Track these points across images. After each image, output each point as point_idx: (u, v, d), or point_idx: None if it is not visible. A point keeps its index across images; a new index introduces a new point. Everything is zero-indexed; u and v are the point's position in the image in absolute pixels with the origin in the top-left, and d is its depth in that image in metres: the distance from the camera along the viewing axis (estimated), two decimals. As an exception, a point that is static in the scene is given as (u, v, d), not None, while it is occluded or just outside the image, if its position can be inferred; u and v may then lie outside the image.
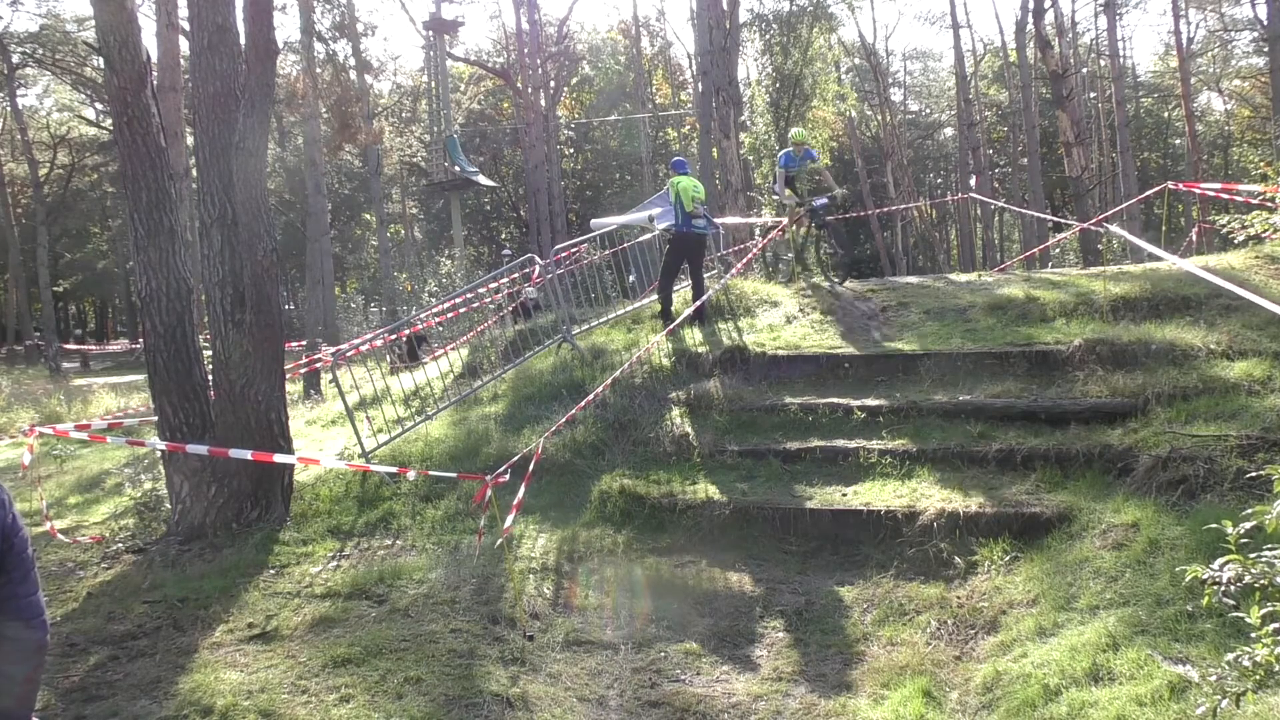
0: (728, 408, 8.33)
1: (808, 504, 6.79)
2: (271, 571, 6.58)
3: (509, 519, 6.46)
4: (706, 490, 7.19)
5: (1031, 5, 24.72)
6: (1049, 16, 25.16)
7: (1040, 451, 6.73)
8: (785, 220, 12.06)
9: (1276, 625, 2.80)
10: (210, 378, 7.69)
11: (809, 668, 5.26)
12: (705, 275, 10.90)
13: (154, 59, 9.90)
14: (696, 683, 5.19)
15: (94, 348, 36.84)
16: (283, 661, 5.14)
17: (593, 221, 12.71)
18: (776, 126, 22.76)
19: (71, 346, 35.27)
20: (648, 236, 12.69)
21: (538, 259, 10.82)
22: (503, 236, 45.19)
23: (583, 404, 8.05)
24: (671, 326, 9.65)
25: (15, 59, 34.29)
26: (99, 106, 37.91)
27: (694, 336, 9.78)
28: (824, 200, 11.28)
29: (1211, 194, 12.03)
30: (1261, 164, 13.17)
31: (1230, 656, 2.88)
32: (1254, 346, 7.28)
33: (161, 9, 16.77)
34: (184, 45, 17.59)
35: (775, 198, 11.77)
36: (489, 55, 43.95)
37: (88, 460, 11.19)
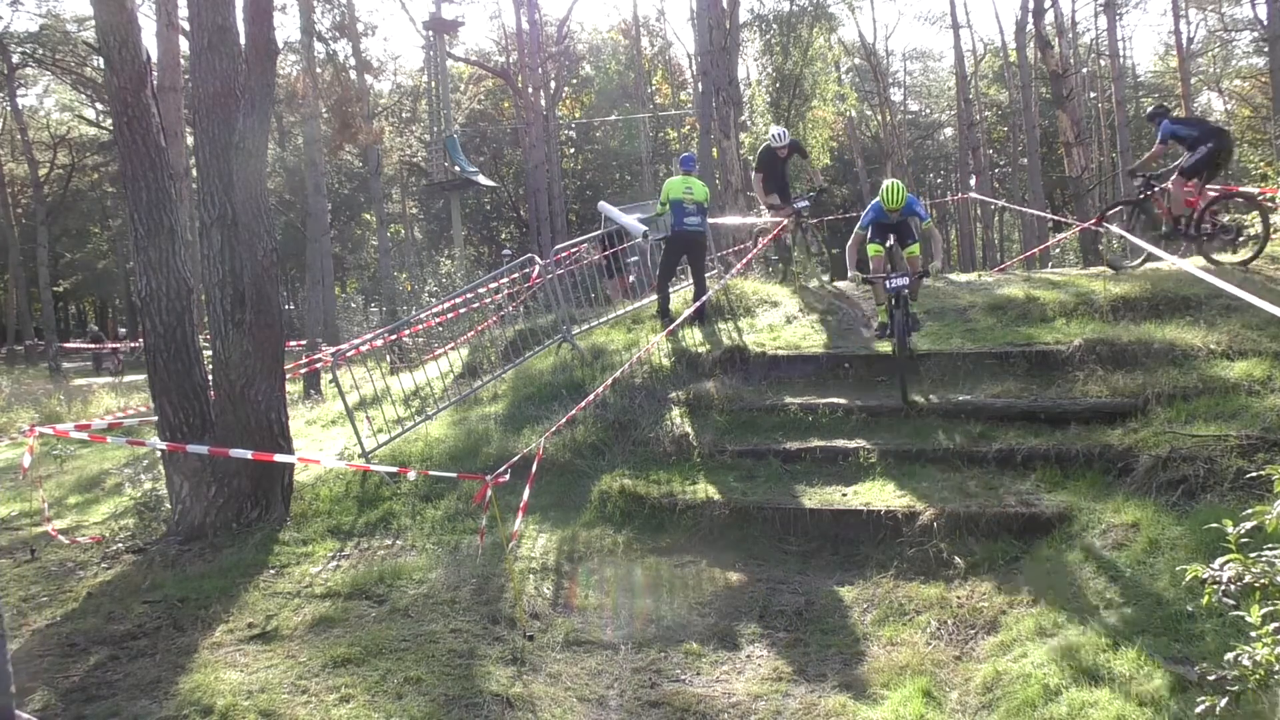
0: (727, 408, 8.33)
1: (807, 504, 6.79)
2: (271, 571, 6.59)
3: (516, 522, 6.47)
4: (706, 490, 7.19)
5: (1031, 5, 24.73)
6: (1049, 16, 25.19)
7: (1040, 451, 6.73)
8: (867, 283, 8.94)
9: (1276, 625, 2.80)
10: (210, 378, 7.69)
11: (809, 668, 5.26)
12: (706, 275, 10.88)
13: (154, 59, 9.89)
14: (696, 683, 5.20)
15: (120, 345, 33.72)
16: (283, 661, 5.14)
17: (600, 204, 12.57)
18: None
19: (113, 346, 31.76)
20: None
21: (538, 259, 10.82)
22: (503, 236, 45.16)
23: (583, 404, 8.06)
24: (672, 327, 9.65)
25: (15, 59, 34.24)
26: (99, 106, 37.85)
27: (694, 336, 9.78)
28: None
29: (1212, 194, 12.02)
30: (1261, 164, 13.16)
31: (1230, 656, 2.89)
32: (1254, 346, 7.28)
33: (161, 9, 16.77)
34: (184, 45, 17.59)
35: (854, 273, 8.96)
36: (489, 55, 43.95)
37: (88, 460, 11.19)
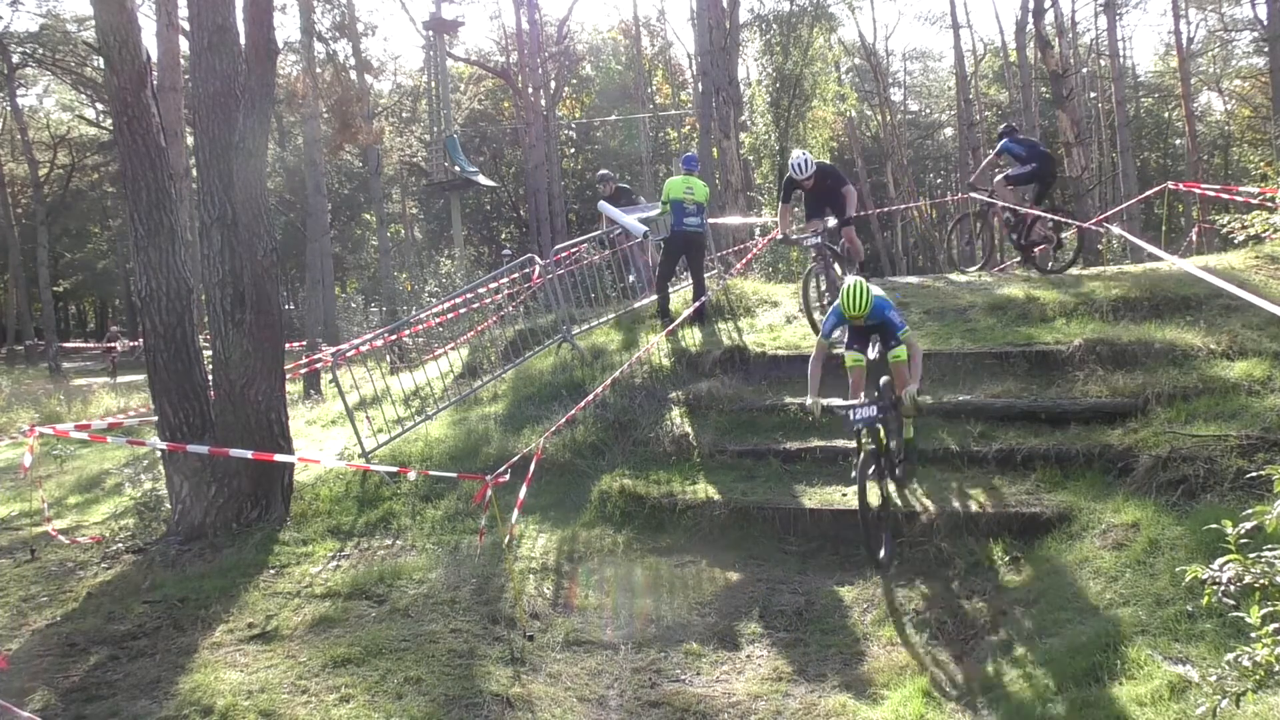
0: (728, 408, 8.32)
1: (807, 504, 6.79)
2: (271, 571, 6.59)
3: (513, 515, 6.47)
4: (706, 490, 7.19)
5: (1031, 5, 24.69)
6: (1049, 16, 25.13)
7: (1040, 451, 6.73)
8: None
9: (1276, 625, 2.80)
10: (210, 378, 7.69)
11: (809, 668, 5.27)
12: (705, 275, 10.88)
13: (154, 59, 9.88)
14: (696, 683, 5.20)
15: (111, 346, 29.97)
16: (283, 661, 5.14)
17: (600, 204, 12.45)
18: (777, 126, 22.75)
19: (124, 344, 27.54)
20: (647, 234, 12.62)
21: (538, 259, 10.81)
22: (503, 236, 45.14)
23: (583, 404, 8.06)
24: (671, 326, 9.65)
25: (15, 59, 34.24)
26: (99, 106, 37.86)
27: (694, 336, 9.78)
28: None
29: (1211, 194, 12.05)
30: (1262, 164, 13.20)
31: (1230, 656, 2.89)
32: (1254, 346, 7.28)
33: (161, 9, 16.76)
34: (184, 45, 17.58)
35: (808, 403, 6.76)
36: (489, 55, 43.96)
37: (88, 460, 11.19)
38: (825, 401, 6.56)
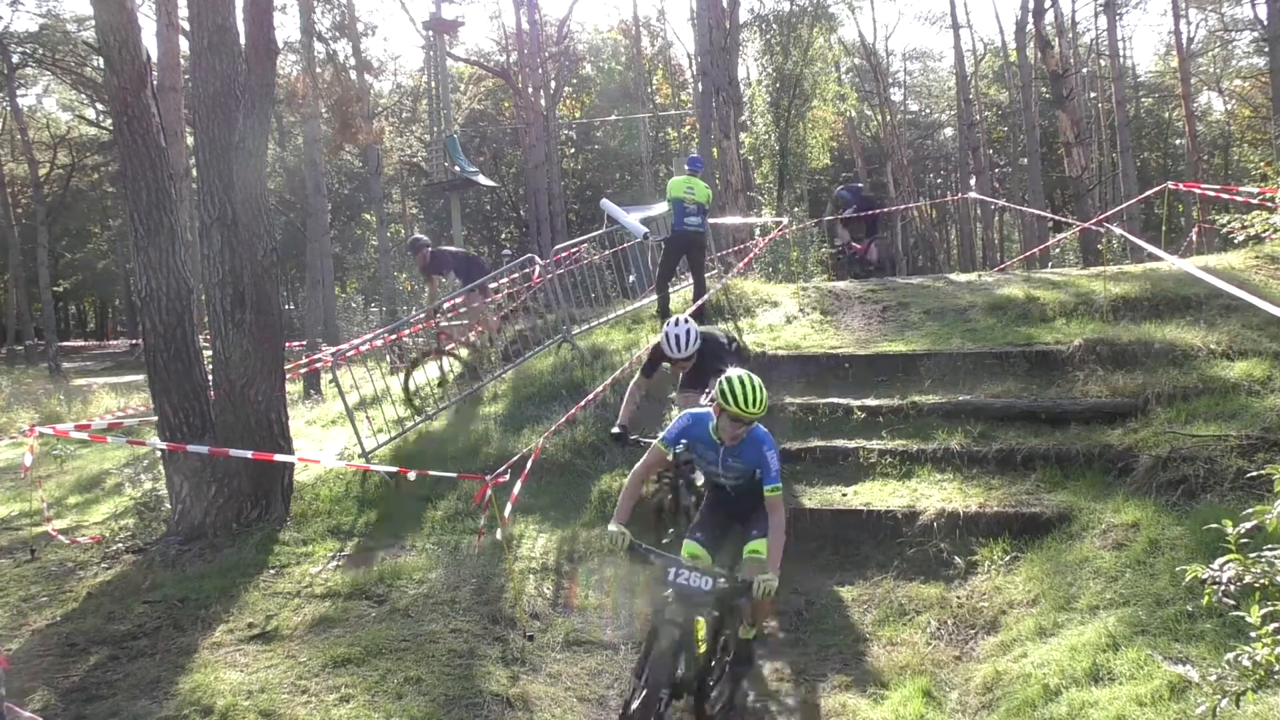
0: (728, 408, 8.30)
1: (807, 504, 6.79)
2: (271, 571, 6.59)
3: (506, 510, 6.48)
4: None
5: (1031, 5, 24.68)
6: (1049, 16, 25.13)
7: (1040, 451, 6.74)
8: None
9: (1276, 625, 2.80)
10: (210, 378, 7.69)
11: (809, 668, 5.27)
12: (706, 275, 10.87)
13: (154, 59, 9.89)
14: (696, 683, 5.19)
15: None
16: (283, 661, 5.14)
17: (603, 202, 12.42)
18: (777, 126, 22.74)
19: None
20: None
21: (538, 259, 10.81)
22: (503, 236, 45.14)
23: (582, 404, 8.05)
24: (671, 326, 9.62)
25: (15, 59, 34.24)
26: (99, 106, 37.82)
27: (694, 336, 9.76)
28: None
29: (1211, 194, 12.05)
30: (1262, 164, 13.21)
31: (1230, 656, 2.88)
32: (1254, 346, 7.29)
33: (161, 9, 16.75)
34: (184, 45, 17.56)
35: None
36: (489, 55, 43.93)
37: (88, 460, 11.19)
38: (633, 539, 4.42)
